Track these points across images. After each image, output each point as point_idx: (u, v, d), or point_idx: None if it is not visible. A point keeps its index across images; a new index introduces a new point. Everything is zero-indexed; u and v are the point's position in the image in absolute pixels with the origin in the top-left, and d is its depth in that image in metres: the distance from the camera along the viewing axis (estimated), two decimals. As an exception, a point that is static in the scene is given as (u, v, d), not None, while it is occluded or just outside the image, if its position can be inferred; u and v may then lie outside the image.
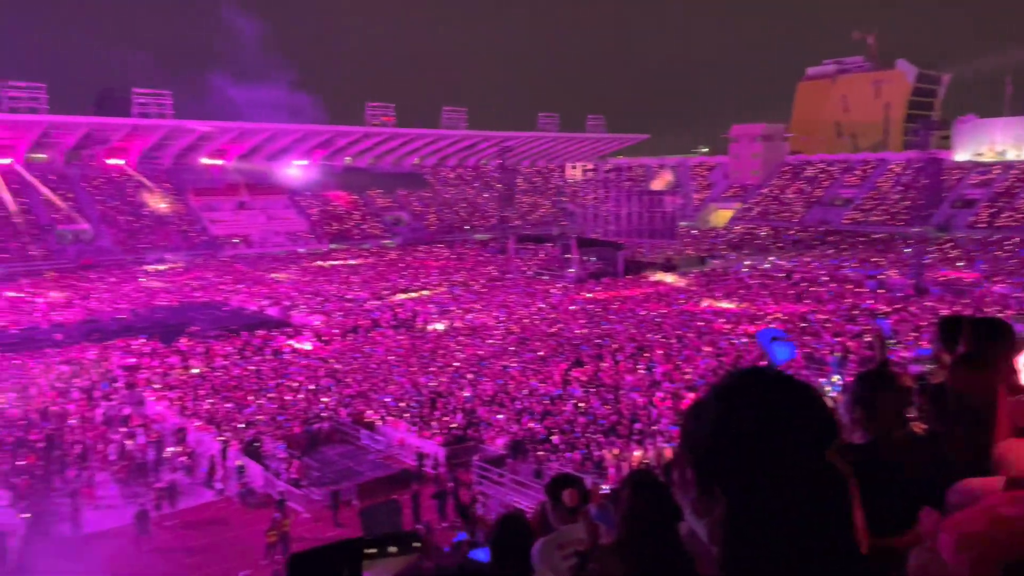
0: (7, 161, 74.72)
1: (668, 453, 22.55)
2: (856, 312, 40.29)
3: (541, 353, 35.27)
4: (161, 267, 68.65)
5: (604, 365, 32.57)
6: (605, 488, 19.53)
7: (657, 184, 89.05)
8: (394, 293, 53.92)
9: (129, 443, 25.38)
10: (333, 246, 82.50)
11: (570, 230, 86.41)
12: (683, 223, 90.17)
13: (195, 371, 34.45)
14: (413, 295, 53.08)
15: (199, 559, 19.14)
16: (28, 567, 17.51)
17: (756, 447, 1.19)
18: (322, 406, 28.91)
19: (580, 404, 27.51)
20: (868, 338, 31.35)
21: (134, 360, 35.95)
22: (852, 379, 3.19)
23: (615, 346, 35.78)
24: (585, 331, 39.82)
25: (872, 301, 43.98)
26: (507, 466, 22.93)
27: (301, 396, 30.05)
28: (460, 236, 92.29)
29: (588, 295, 51.83)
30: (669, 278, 57.59)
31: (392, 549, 3.28)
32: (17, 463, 23.55)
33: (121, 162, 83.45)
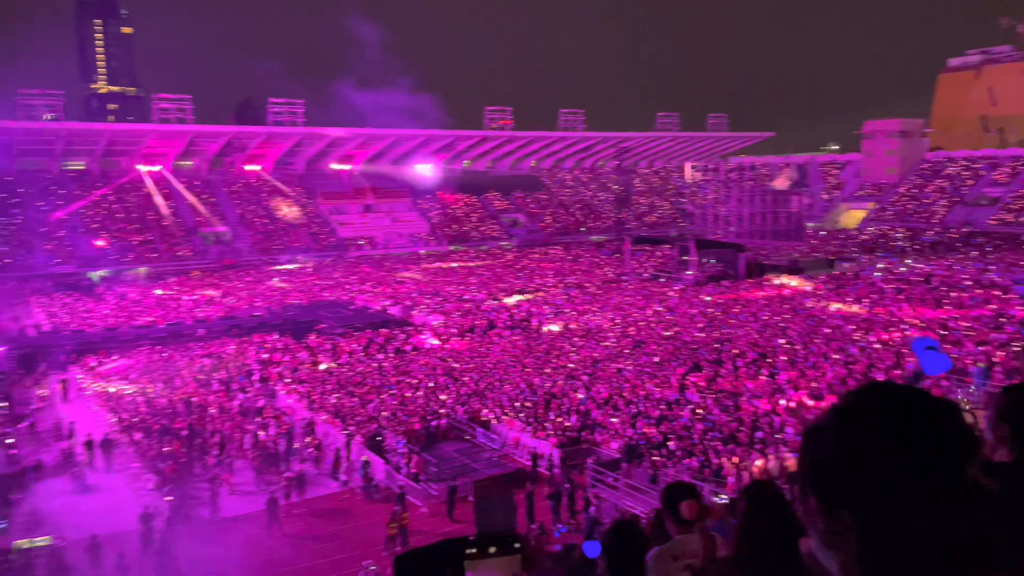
0: (157, 168, 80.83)
1: (791, 463, 21.67)
2: (1003, 320, 37.26)
3: (657, 357, 34.71)
4: (291, 267, 72.39)
5: (724, 370, 31.66)
6: (723, 498, 19.00)
7: (779, 183, 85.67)
8: (510, 294, 54.52)
9: (262, 434, 26.88)
10: (452, 248, 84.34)
11: (689, 231, 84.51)
12: (810, 224, 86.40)
13: (323, 367, 36.08)
14: (529, 296, 53.48)
15: (325, 547, 20.02)
16: (170, 547, 18.85)
17: (886, 469, 1.11)
18: (440, 403, 29.63)
19: (698, 410, 26.85)
20: (1016, 348, 28.95)
21: (268, 355, 38.07)
22: (998, 392, 2.95)
23: (735, 351, 34.68)
24: (703, 335, 38.83)
25: (1021, 308, 40.57)
26: (622, 470, 22.69)
27: (420, 393, 30.91)
28: (576, 238, 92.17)
29: (707, 298, 50.50)
30: (794, 281, 55.25)
31: (492, 550, 3.31)
32: (163, 449, 25.43)
33: (258, 168, 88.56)
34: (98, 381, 34.97)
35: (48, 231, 70.80)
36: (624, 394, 29.14)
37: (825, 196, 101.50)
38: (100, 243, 70.37)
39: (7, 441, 25.85)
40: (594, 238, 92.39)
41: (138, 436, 26.71)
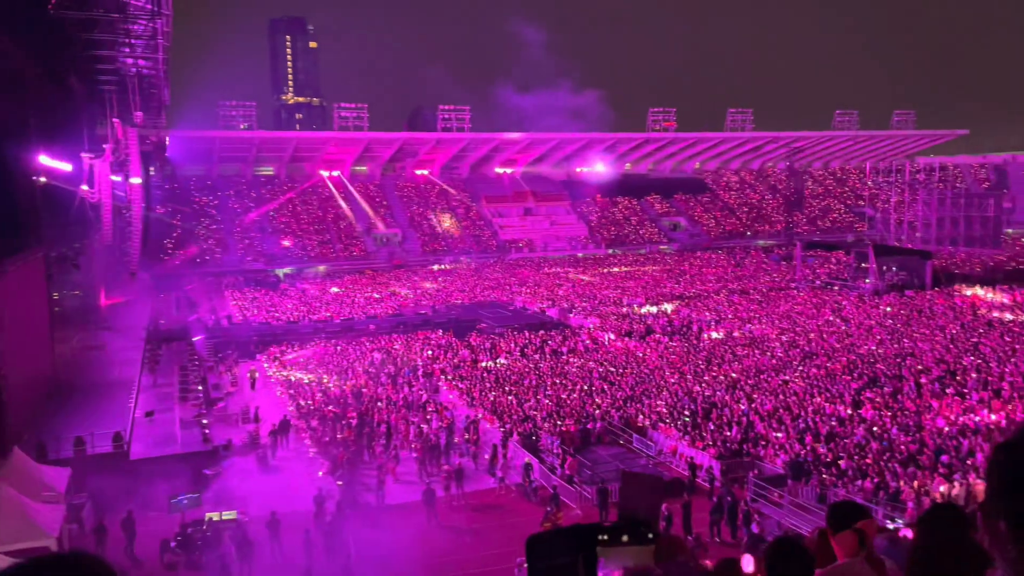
0: (336, 173, 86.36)
1: (980, 489, 19.72)
2: None
3: (829, 369, 32.75)
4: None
5: (905, 387, 29.36)
6: (900, 523, 17.59)
7: (974, 184, 78.34)
8: (670, 299, 53.46)
9: (425, 427, 27.99)
10: (611, 251, 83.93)
11: (867, 236, 79.26)
12: (1009, 230, 78.45)
13: (497, 362, 37.00)
14: (689, 301, 52.17)
15: (480, 540, 20.53)
16: (340, 528, 20.05)
17: None
18: (595, 406, 29.53)
19: (874, 428, 25.07)
20: None
21: (431, 351, 39.63)
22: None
23: (919, 367, 32.09)
24: (882, 349, 36.22)
25: None
26: (787, 487, 21.60)
27: (575, 395, 30.97)
28: (741, 242, 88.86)
29: (887, 308, 47.04)
30: (989, 293, 50.26)
31: (624, 538, 3.21)
32: (336, 436, 27.11)
33: (426, 172, 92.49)
34: (280, 370, 37.84)
35: (241, 231, 77.61)
36: (791, 407, 27.74)
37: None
38: (286, 243, 76.21)
39: (202, 422, 28.56)
40: (761, 243, 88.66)
41: (314, 423, 28.63)
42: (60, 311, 35.21)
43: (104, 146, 39.09)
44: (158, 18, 31.68)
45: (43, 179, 33.53)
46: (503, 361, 37.41)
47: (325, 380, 35.31)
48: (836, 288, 55.91)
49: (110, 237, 40.24)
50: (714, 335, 41.80)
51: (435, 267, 75.46)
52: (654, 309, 49.46)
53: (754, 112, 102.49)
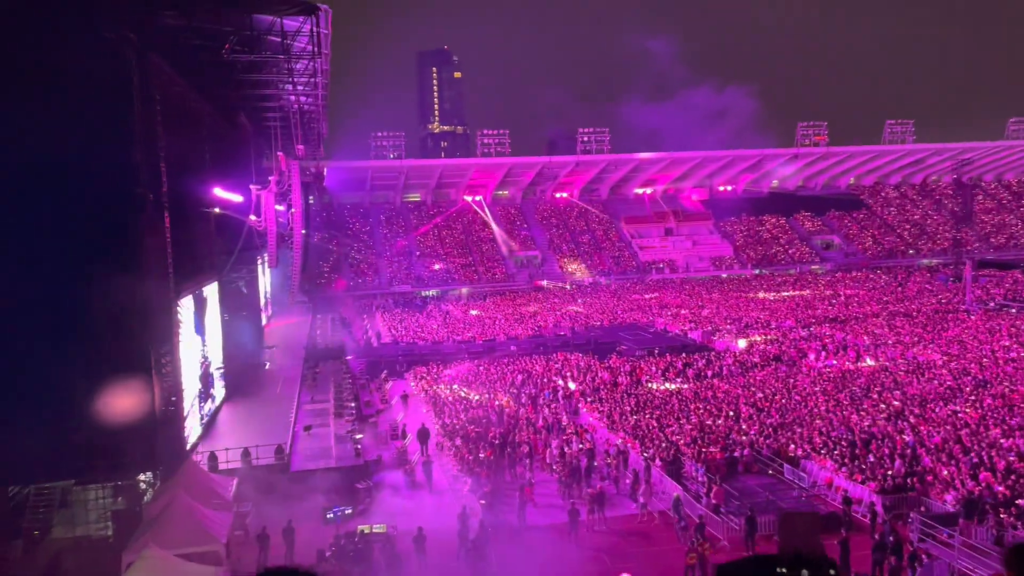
0: (479, 198, 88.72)
1: None
2: None
3: (1007, 399, 29.86)
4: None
5: (1098, 421, 26.28)
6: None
7: None
8: (821, 322, 50.72)
9: (566, 448, 27.94)
10: (757, 271, 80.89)
11: (1050, 254, 72.25)
12: None
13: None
14: (845, 325, 49.26)
15: (622, 566, 20.15)
16: (483, 544, 20.33)
17: None
18: (742, 433, 28.38)
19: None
20: None
21: (571, 373, 39.60)
22: None
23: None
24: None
25: None
26: (958, 527, 19.80)
27: (721, 421, 29.91)
28: (902, 261, 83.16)
29: (1075, 333, 42.43)
30: None
31: (805, 572, 3.07)
32: (479, 455, 27.59)
33: (565, 195, 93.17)
34: (427, 387, 39.05)
35: (391, 255, 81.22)
36: (962, 440, 25.49)
37: None
38: (437, 266, 78.93)
39: (356, 436, 29.93)
40: (924, 262, 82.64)
41: (458, 441, 29.30)
42: (229, 330, 38.13)
43: (270, 178, 42.13)
44: (318, 57, 33.91)
45: (217, 209, 36.59)
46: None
47: (469, 395, 36.10)
48: (1014, 311, 51.04)
49: (275, 262, 43.25)
50: (872, 361, 39.21)
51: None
52: (805, 332, 47.06)
53: (915, 123, 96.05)
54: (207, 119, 35.62)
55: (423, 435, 30.38)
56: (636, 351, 44.65)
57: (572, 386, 37.07)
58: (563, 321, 56.18)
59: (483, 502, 23.39)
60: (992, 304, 54.20)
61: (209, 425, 31.00)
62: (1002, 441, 25.10)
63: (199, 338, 30.77)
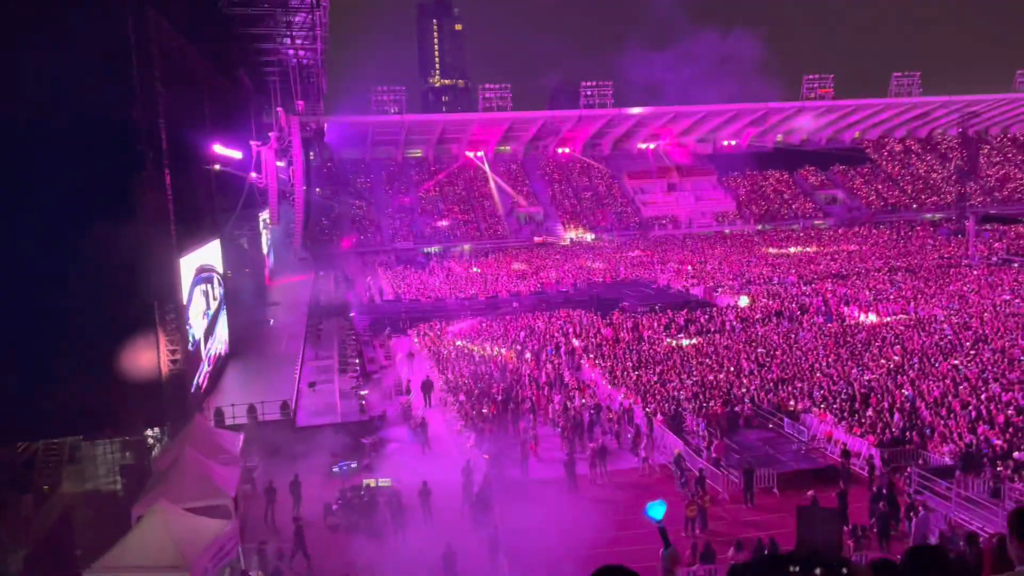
0: (480, 154, 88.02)
1: None
2: None
3: (1007, 353, 30.03)
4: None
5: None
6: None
7: None
8: (825, 277, 50.73)
9: (568, 403, 28.24)
10: (760, 227, 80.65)
11: (1055, 208, 71.89)
12: None
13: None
14: (847, 280, 49.29)
15: (624, 516, 20.50)
16: (487, 498, 20.70)
17: None
18: (744, 388, 28.64)
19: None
20: None
21: (573, 329, 39.80)
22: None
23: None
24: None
25: None
26: (955, 479, 20.10)
27: (722, 376, 30.15)
28: (905, 216, 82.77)
29: (1077, 288, 42.48)
30: None
31: (817, 572, 3.15)
32: (482, 411, 27.91)
33: (567, 150, 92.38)
34: (429, 345, 39.32)
35: (392, 212, 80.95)
36: (961, 395, 25.72)
37: None
38: (444, 223, 78.67)
39: (360, 393, 30.25)
40: (928, 216, 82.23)
41: (462, 397, 29.61)
42: (233, 288, 38.26)
43: (270, 134, 41.86)
44: (317, 9, 33.43)
45: (217, 166, 36.43)
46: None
47: (475, 352, 36.38)
48: (1016, 265, 50.99)
49: (276, 219, 43.20)
50: (873, 316, 39.34)
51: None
52: (807, 287, 47.13)
53: (922, 75, 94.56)
54: (206, 76, 35.21)
55: (427, 387, 31.16)
56: (638, 307, 44.78)
57: (575, 342, 37.28)
58: (566, 277, 56.24)
59: (487, 456, 23.74)
60: (995, 259, 54.13)
61: (215, 380, 31.30)
62: (1001, 395, 25.33)
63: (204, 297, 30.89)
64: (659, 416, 26.22)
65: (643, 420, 26.15)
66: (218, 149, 35.75)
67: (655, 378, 30.27)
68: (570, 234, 77.82)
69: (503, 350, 36.71)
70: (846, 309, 41.12)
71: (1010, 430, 22.43)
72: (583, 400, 28.71)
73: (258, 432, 25.17)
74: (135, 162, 22.28)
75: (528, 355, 35.75)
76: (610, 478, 23.34)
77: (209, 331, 30.95)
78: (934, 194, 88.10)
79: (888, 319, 38.31)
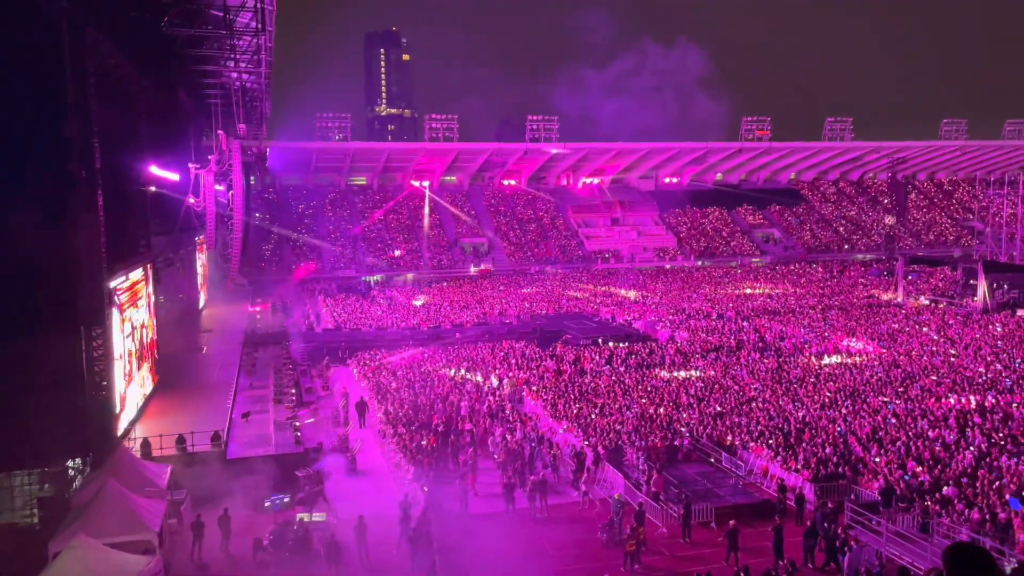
0: (426, 184, 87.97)
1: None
2: None
3: (933, 391, 31.04)
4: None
5: (1018, 413, 27.53)
6: (1012, 560, 16.49)
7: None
8: (761, 313, 51.90)
9: (509, 436, 27.98)
10: (700, 263, 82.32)
11: (976, 251, 75.25)
12: None
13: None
14: (783, 316, 50.50)
15: (564, 554, 20.32)
16: (425, 533, 20.23)
17: None
18: (683, 423, 28.86)
19: (984, 455, 23.60)
20: None
21: (515, 361, 39.66)
22: None
23: (1033, 391, 30.07)
24: (990, 372, 34.10)
25: None
26: (884, 514, 20.53)
27: (662, 410, 30.35)
28: (838, 256, 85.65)
29: (998, 328, 44.36)
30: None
31: None
32: (421, 443, 27.43)
33: (513, 182, 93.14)
34: (369, 375, 38.63)
35: (334, 238, 79.97)
36: (890, 430, 26.41)
37: None
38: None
39: (295, 424, 29.44)
40: (860, 256, 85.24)
41: (401, 429, 29.06)
42: (165, 314, 37.04)
43: (209, 157, 41.02)
44: (262, 34, 33.04)
45: (153, 188, 35.45)
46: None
47: (413, 385, 35.80)
48: (941, 306, 53.09)
49: (213, 244, 42.17)
50: (809, 352, 40.27)
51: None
52: (744, 323, 48.11)
53: (854, 121, 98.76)
54: (144, 95, 34.37)
55: (361, 407, 30.92)
56: (581, 340, 44.97)
57: (517, 374, 37.12)
58: (509, 309, 56.23)
59: (426, 490, 23.27)
60: (922, 299, 56.24)
61: (142, 411, 30.09)
62: (928, 431, 26.09)
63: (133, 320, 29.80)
64: (600, 449, 26.17)
65: (585, 453, 26.05)
66: (155, 170, 34.83)
67: (596, 411, 30.29)
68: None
69: (445, 381, 36.22)
70: (782, 344, 42.03)
71: (938, 466, 23.07)
72: (524, 433, 28.50)
73: (186, 464, 24.22)
74: (67, 181, 21.47)
75: (470, 386, 35.42)
76: (551, 512, 23.12)
77: (138, 358, 29.83)
78: (865, 235, 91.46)
79: (828, 358, 39.26)
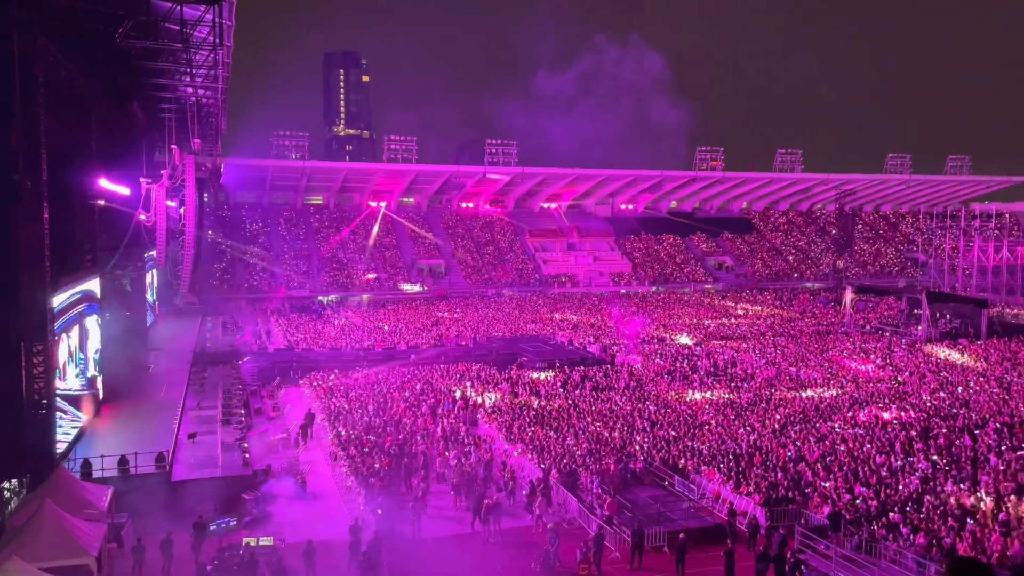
0: (383, 204, 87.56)
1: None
2: None
3: (879, 417, 31.73)
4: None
5: (959, 440, 28.28)
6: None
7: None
8: (714, 339, 52.60)
9: (464, 459, 27.72)
10: (654, 289, 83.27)
11: (920, 282, 77.57)
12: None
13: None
14: (733, 343, 51.27)
15: (515, 578, 20.11)
16: (375, 557, 19.83)
17: None
18: (637, 446, 28.97)
19: (928, 480, 24.14)
20: None
21: (471, 383, 39.46)
22: None
23: (976, 418, 30.95)
24: (933, 398, 35.04)
25: None
26: (833, 538, 20.81)
27: (616, 434, 30.44)
28: (788, 284, 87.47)
29: (942, 355, 45.68)
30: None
31: None
32: (374, 466, 27.01)
33: (471, 205, 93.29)
34: (321, 397, 38.00)
35: (289, 258, 78.92)
36: (838, 455, 26.87)
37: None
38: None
39: (243, 446, 28.74)
40: (808, 285, 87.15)
41: (352, 451, 28.60)
42: (111, 332, 35.98)
43: (162, 171, 40.23)
44: (219, 49, 32.63)
45: (102, 202, 34.57)
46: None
47: (366, 408, 35.30)
48: (886, 334, 54.50)
49: (164, 260, 41.21)
50: (758, 377, 40.88)
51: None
52: (698, 348, 48.71)
53: (804, 154, 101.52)
54: (97, 107, 33.65)
55: (308, 419, 30.69)
56: (537, 363, 44.96)
57: (472, 396, 36.92)
58: (465, 331, 56.01)
59: (379, 512, 22.87)
60: (868, 327, 57.66)
61: (84, 430, 29.09)
62: (875, 456, 26.61)
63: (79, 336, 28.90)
64: (554, 473, 26.09)
65: (538, 477, 25.93)
66: (105, 184, 34.00)
67: (551, 434, 30.23)
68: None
69: (399, 403, 35.79)
70: (734, 370, 42.60)
71: (884, 491, 23.51)
72: (479, 457, 28.27)
73: (129, 486, 23.44)
74: (11, 192, 20.83)
75: (424, 409, 35.07)
76: (504, 536, 22.89)
77: (80, 375, 28.89)
78: (813, 264, 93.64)
79: (771, 379, 39.86)
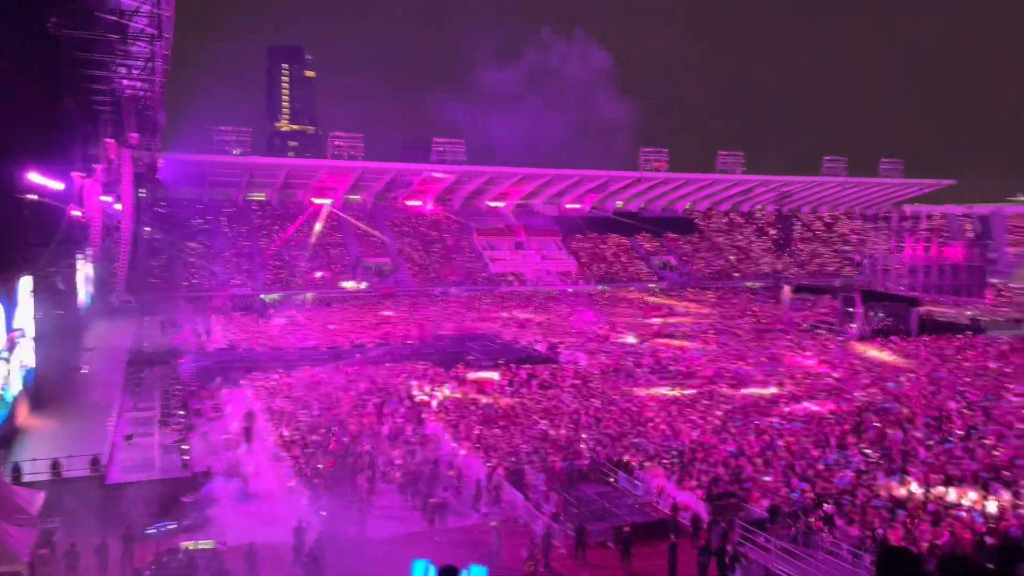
0: (328, 202, 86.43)
1: (968, 536, 19.57)
2: None
3: (815, 412, 32.68)
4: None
5: (891, 432, 29.31)
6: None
7: (960, 234, 79.53)
8: (657, 337, 53.40)
9: (409, 459, 27.57)
10: (600, 287, 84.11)
11: (854, 282, 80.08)
12: (994, 280, 79.24)
13: (491, 400, 36.68)
14: (676, 342, 52.14)
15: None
16: (320, 561, 19.58)
17: None
18: (582, 443, 29.22)
19: (862, 473, 24.95)
20: None
21: (417, 383, 39.25)
22: None
23: (905, 412, 32.11)
24: (866, 394, 36.24)
25: None
26: (771, 531, 21.34)
27: (562, 431, 30.66)
28: (729, 283, 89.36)
29: (873, 353, 47.24)
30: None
31: None
32: (318, 467, 26.65)
33: (419, 203, 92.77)
34: (264, 397, 37.31)
35: (229, 256, 77.26)
36: (777, 450, 27.57)
37: (1012, 250, 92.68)
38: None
39: (182, 447, 28.03)
40: (748, 284, 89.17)
41: (296, 452, 28.16)
42: (42, 331, 34.68)
43: (96, 166, 38.95)
44: (157, 41, 31.79)
45: (32, 196, 33.29)
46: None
47: (310, 409, 34.81)
48: (822, 332, 56.09)
49: (99, 257, 39.92)
50: (701, 375, 41.66)
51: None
52: (642, 346, 49.40)
53: (745, 155, 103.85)
54: (26, 98, 32.33)
55: (249, 417, 31.16)
56: (483, 361, 44.95)
57: (418, 395, 36.73)
58: (411, 330, 55.66)
59: (322, 513, 22.58)
60: (805, 326, 59.26)
61: (13, 432, 27.97)
62: (811, 451, 27.39)
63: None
64: (500, 471, 26.14)
65: (484, 475, 25.96)
66: (35, 177, 32.73)
67: (497, 432, 30.28)
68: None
69: (344, 403, 35.39)
70: (675, 366, 43.32)
71: (820, 484, 24.20)
72: (425, 455, 28.14)
73: (61, 489, 22.63)
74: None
75: (370, 408, 34.73)
76: (449, 535, 22.84)
77: (7, 377, 27.78)
78: (753, 264, 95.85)
79: (712, 376, 40.68)
